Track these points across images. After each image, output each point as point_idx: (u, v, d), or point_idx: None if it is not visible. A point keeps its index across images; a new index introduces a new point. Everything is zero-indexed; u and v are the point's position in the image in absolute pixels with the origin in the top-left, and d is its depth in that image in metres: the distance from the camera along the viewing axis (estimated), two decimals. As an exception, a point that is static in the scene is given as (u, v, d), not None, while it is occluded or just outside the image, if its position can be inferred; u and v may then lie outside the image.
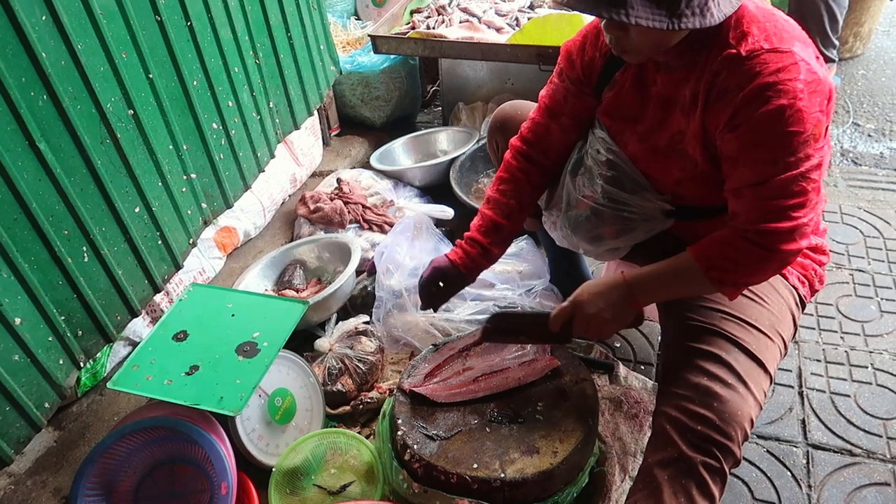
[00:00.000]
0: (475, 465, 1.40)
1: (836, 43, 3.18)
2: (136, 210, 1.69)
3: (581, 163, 1.55)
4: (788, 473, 1.68)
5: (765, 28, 1.18)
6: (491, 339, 1.62)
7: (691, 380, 1.29)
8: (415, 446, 1.45)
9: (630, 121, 1.42)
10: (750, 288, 1.39)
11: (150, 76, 1.69)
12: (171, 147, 1.80)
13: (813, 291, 1.49)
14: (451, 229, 2.48)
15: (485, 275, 2.07)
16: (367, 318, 2.10)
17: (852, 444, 1.74)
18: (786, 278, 1.44)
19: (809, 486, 1.66)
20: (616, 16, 1.08)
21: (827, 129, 1.22)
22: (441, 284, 1.64)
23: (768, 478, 1.68)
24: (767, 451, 1.74)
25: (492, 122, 1.86)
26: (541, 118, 1.60)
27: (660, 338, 2.02)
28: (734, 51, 1.18)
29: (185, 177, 1.88)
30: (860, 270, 2.27)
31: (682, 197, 1.43)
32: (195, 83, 1.85)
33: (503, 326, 1.58)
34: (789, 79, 1.13)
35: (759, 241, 1.22)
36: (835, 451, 1.73)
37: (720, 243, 1.28)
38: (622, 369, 1.89)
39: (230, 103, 2.01)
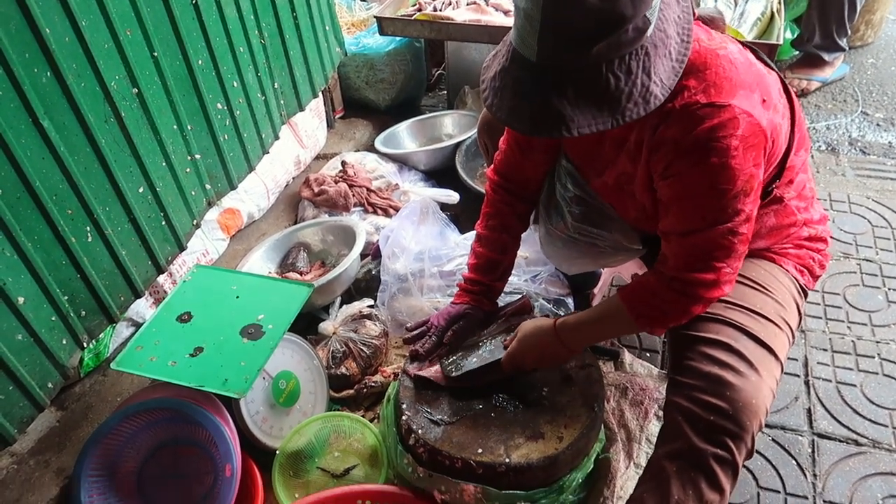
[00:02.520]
0: (480, 450, 1.39)
1: (850, 32, 3.15)
2: (140, 190, 1.68)
3: (552, 194, 1.55)
4: (794, 462, 1.68)
5: (704, 78, 1.13)
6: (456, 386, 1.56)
7: (701, 369, 1.27)
8: (419, 431, 1.45)
9: (590, 155, 1.40)
10: (752, 277, 1.39)
11: (155, 54, 1.67)
12: (175, 127, 1.79)
13: (815, 278, 1.48)
14: (456, 214, 2.46)
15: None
16: (371, 301, 2.09)
17: (858, 434, 1.73)
18: (784, 269, 1.43)
19: (815, 475, 1.65)
20: (558, 134, 1.05)
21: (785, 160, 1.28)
22: (462, 323, 1.64)
23: (773, 466, 1.67)
24: (773, 439, 1.73)
25: (479, 121, 1.85)
26: (511, 151, 1.57)
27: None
28: (670, 104, 1.14)
29: (189, 157, 1.86)
30: (868, 260, 2.26)
31: (646, 229, 1.43)
32: (200, 62, 1.83)
33: (465, 379, 1.55)
34: (724, 136, 1.10)
35: (684, 290, 1.25)
36: (840, 441, 1.72)
37: (649, 293, 1.30)
38: (628, 356, 1.89)
39: (235, 83, 1.99)
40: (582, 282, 2.08)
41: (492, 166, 1.65)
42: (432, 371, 1.57)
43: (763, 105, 1.15)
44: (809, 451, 1.70)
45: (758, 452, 1.70)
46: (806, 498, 1.61)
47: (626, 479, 1.57)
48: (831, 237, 1.52)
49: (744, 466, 1.65)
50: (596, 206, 1.44)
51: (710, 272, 1.22)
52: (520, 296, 1.79)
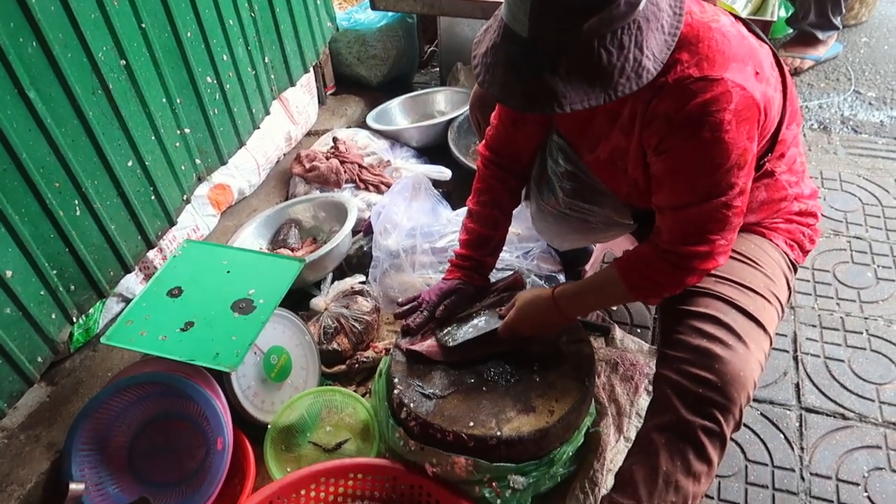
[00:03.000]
0: (471, 424, 1.40)
1: (844, 10, 3.14)
2: (129, 164, 1.66)
3: (543, 169, 1.54)
4: (781, 436, 1.70)
5: (697, 51, 1.12)
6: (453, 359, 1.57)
7: (690, 342, 1.28)
8: (411, 405, 1.45)
9: (581, 129, 1.40)
10: (742, 252, 1.40)
11: (143, 26, 1.64)
12: (164, 100, 1.76)
13: (805, 252, 1.49)
14: (448, 190, 2.45)
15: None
16: (363, 277, 2.09)
17: (845, 408, 1.75)
18: (775, 244, 1.44)
19: (802, 449, 1.67)
20: (551, 110, 1.05)
21: (780, 132, 1.27)
22: (453, 298, 1.64)
23: (761, 440, 1.69)
24: (761, 413, 1.75)
25: (471, 97, 1.84)
26: (502, 126, 1.56)
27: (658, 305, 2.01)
28: (663, 78, 1.13)
29: (178, 131, 1.84)
30: (858, 238, 2.27)
31: (637, 205, 1.43)
32: (189, 35, 1.80)
33: (462, 350, 1.56)
34: (717, 110, 1.10)
35: (677, 262, 1.26)
36: (828, 415, 1.74)
37: (643, 264, 1.31)
38: (618, 332, 1.90)
39: (225, 57, 1.97)
40: (574, 258, 2.09)
41: (483, 142, 1.64)
42: (425, 345, 1.57)
43: (756, 78, 1.15)
44: (797, 424, 1.72)
45: (746, 426, 1.71)
46: (793, 470, 1.63)
47: (616, 452, 1.59)
48: (822, 214, 1.53)
49: (732, 439, 1.67)
50: (587, 181, 1.44)
51: (705, 244, 1.23)
52: (512, 272, 1.79)
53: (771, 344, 1.33)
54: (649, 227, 1.37)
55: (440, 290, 1.64)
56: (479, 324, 1.57)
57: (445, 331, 1.59)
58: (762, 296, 1.35)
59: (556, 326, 1.53)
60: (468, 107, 2.68)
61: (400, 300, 1.72)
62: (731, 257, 1.37)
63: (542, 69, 1.03)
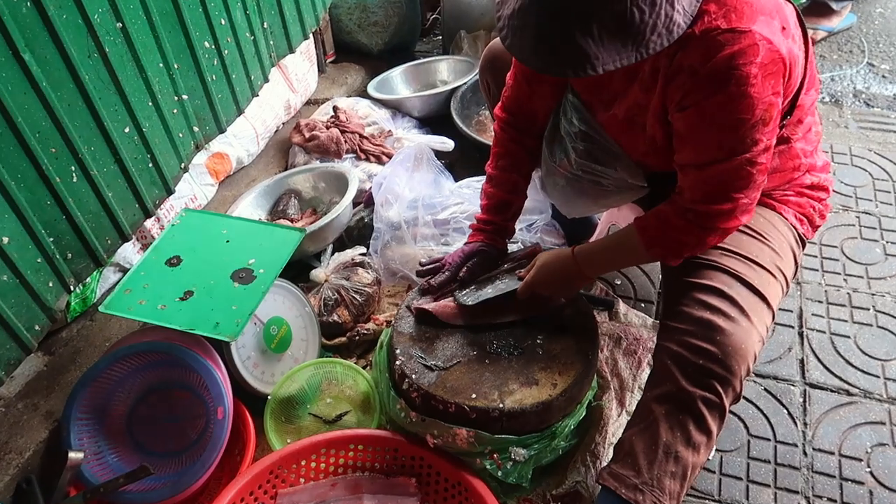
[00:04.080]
0: (474, 395, 1.42)
1: (857, -21, 3.10)
2: (126, 130, 1.65)
3: (556, 130, 1.54)
4: (785, 411, 1.72)
5: (725, 3, 1.12)
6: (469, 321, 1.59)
7: (693, 314, 1.29)
8: (413, 376, 1.47)
9: (597, 87, 1.39)
10: (750, 225, 1.40)
11: (140, -13, 1.62)
12: (161, 65, 1.75)
13: (814, 227, 1.50)
14: (450, 161, 2.45)
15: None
16: (363, 249, 2.10)
17: (849, 384, 1.77)
18: (784, 217, 1.44)
19: (805, 424, 1.69)
20: (583, 72, 1.05)
21: (804, 84, 1.26)
22: (476, 259, 1.65)
23: (764, 415, 1.71)
24: (765, 389, 1.76)
25: (482, 59, 1.82)
26: (518, 86, 1.56)
27: (660, 275, 2.02)
28: (689, 30, 1.12)
29: (176, 98, 1.83)
30: (867, 213, 2.27)
31: (653, 167, 1.43)
32: (186, -3, 1.79)
33: (479, 311, 1.58)
34: (744, 63, 1.10)
35: (699, 221, 1.26)
36: (832, 391, 1.76)
37: (662, 223, 1.32)
38: (622, 306, 1.90)
39: (223, 21, 1.95)
40: (577, 231, 2.09)
41: (499, 104, 1.64)
42: (437, 305, 1.58)
43: (783, 33, 1.15)
44: (801, 400, 1.74)
45: (749, 401, 1.73)
46: (795, 446, 1.65)
47: (618, 426, 1.60)
48: (833, 191, 1.53)
49: (734, 414, 1.70)
50: (601, 142, 1.44)
51: (728, 202, 1.23)
52: (519, 244, 1.80)
53: (773, 318, 1.34)
54: (661, 193, 1.37)
55: (463, 252, 1.66)
56: (500, 285, 1.59)
57: (465, 291, 1.61)
58: (768, 270, 1.36)
59: (576, 286, 1.55)
60: (477, 71, 2.68)
61: (422, 261, 1.74)
62: (740, 231, 1.37)
63: (574, 31, 1.03)
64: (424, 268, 1.71)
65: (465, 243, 1.70)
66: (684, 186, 1.27)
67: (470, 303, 1.57)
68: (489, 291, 1.58)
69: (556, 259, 1.51)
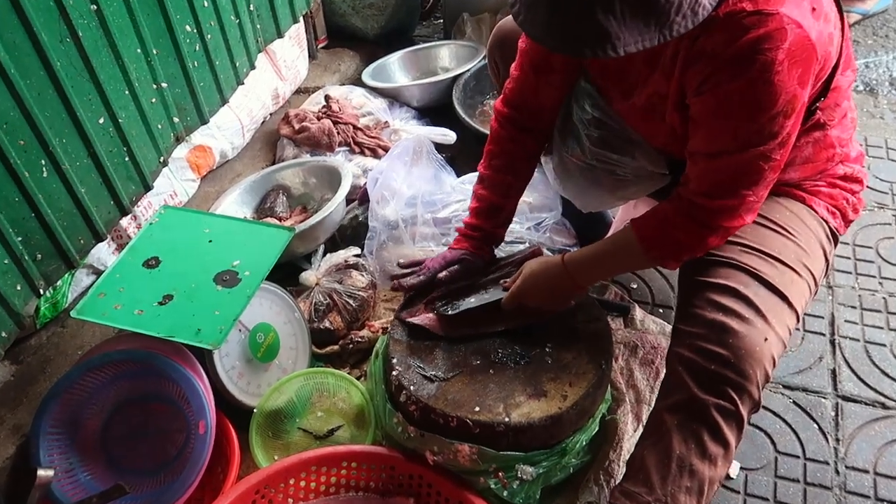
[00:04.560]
0: (477, 408, 1.42)
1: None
2: (101, 121, 1.66)
3: (568, 118, 1.54)
4: (815, 426, 1.72)
5: None
6: (454, 334, 1.59)
7: (705, 316, 1.30)
8: (411, 388, 1.47)
9: (616, 74, 1.39)
10: (774, 219, 1.41)
11: (115, -34, 1.63)
12: (138, 50, 1.76)
13: (847, 222, 1.50)
14: (452, 155, 2.45)
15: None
16: (357, 250, 2.10)
17: (885, 397, 1.77)
18: (814, 210, 1.44)
19: (837, 440, 1.69)
20: (603, 53, 1.04)
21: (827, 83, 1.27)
22: (457, 267, 1.65)
23: (793, 430, 1.71)
24: (793, 401, 1.77)
25: (491, 39, 1.82)
26: (525, 76, 1.55)
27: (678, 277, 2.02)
28: (713, 12, 1.11)
29: (154, 86, 1.84)
30: (904, 211, 2.27)
31: (674, 155, 1.43)
32: (166, -23, 1.79)
33: (461, 322, 1.58)
34: (769, 48, 1.10)
35: (702, 217, 1.27)
36: (866, 404, 1.76)
37: (661, 221, 1.32)
38: (638, 312, 1.91)
39: (205, 3, 1.95)
40: (591, 231, 2.09)
41: (499, 98, 1.63)
42: (427, 318, 1.58)
43: (813, 14, 1.15)
44: (832, 414, 1.74)
45: (776, 415, 1.73)
46: (826, 463, 1.65)
47: (634, 442, 1.60)
48: (867, 186, 1.53)
49: (759, 429, 1.70)
50: (617, 129, 1.44)
51: (734, 198, 1.24)
52: (524, 245, 1.80)
53: (798, 321, 1.35)
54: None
55: (444, 258, 1.66)
56: (484, 295, 1.59)
57: (445, 301, 1.61)
58: (791, 268, 1.36)
59: (567, 296, 1.55)
60: (482, 56, 2.69)
61: (400, 261, 1.75)
62: (763, 225, 1.38)
63: (595, 7, 1.02)
64: (401, 269, 1.71)
65: (449, 248, 1.69)
66: (691, 176, 1.28)
67: (449, 312, 1.57)
68: (472, 301, 1.58)
69: (545, 268, 1.51)
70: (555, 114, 1.58)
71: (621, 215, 2.09)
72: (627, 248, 1.39)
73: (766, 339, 1.26)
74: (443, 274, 1.63)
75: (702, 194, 1.26)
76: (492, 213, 1.66)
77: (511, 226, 2.08)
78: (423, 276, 1.64)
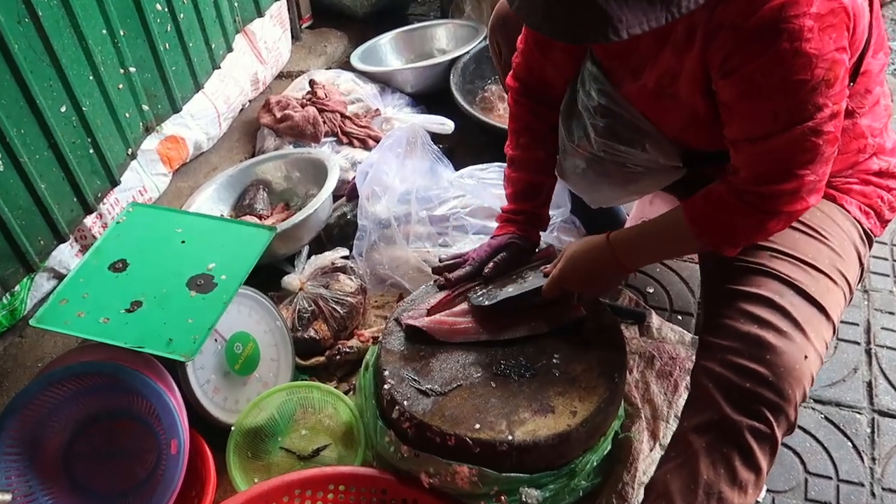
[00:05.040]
0: (477, 426, 1.42)
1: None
2: (63, 109, 1.66)
3: (573, 104, 1.54)
4: (849, 444, 1.72)
5: None
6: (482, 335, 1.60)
7: (739, 328, 1.30)
8: (405, 402, 1.47)
9: (623, 53, 1.40)
10: (805, 221, 1.40)
11: (78, -61, 1.64)
12: (104, 31, 1.76)
13: (883, 223, 1.50)
14: (450, 146, 2.46)
15: (492, 203, 2.08)
16: (345, 251, 2.10)
17: (927, 412, 1.78)
18: (846, 209, 1.44)
19: (873, 459, 1.70)
20: (605, 38, 1.05)
21: (870, 46, 1.25)
22: (504, 254, 1.66)
23: (825, 448, 1.71)
24: (825, 417, 1.77)
25: (493, 18, 1.83)
26: (529, 52, 1.58)
27: (700, 282, 2.03)
28: None
29: (122, 70, 1.84)
30: (947, 208, 2.27)
31: (691, 143, 1.43)
32: (134, -49, 1.80)
33: (493, 321, 1.59)
34: (794, 15, 1.09)
35: (759, 203, 1.25)
36: (905, 420, 1.77)
37: (714, 205, 1.31)
38: (655, 319, 1.91)
39: (178, -21, 1.96)
40: (601, 230, 2.08)
41: (510, 72, 1.65)
42: (430, 320, 1.58)
43: None
44: (868, 431, 1.75)
45: (807, 433, 1.74)
46: (861, 485, 1.65)
47: (650, 462, 1.60)
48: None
49: (787, 447, 1.71)
50: (625, 117, 1.44)
51: (791, 181, 1.22)
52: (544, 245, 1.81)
53: (834, 332, 1.35)
54: (701, 176, 1.37)
55: (489, 246, 1.67)
56: (522, 284, 1.60)
57: (481, 292, 1.62)
58: (826, 275, 1.36)
59: (612, 280, 1.55)
60: (482, 37, 2.69)
61: (442, 256, 1.75)
62: (791, 227, 1.38)
63: None
64: (442, 263, 1.71)
65: (492, 237, 1.71)
66: (738, 165, 1.27)
67: (486, 303, 1.58)
68: (510, 290, 1.59)
69: (588, 247, 1.50)
70: (563, 88, 1.59)
71: (636, 212, 2.09)
72: (677, 231, 1.38)
73: (805, 357, 1.26)
74: (488, 266, 1.64)
75: (754, 182, 1.25)
76: (532, 193, 1.68)
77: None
78: (469, 266, 1.66)
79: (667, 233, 1.42)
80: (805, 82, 1.13)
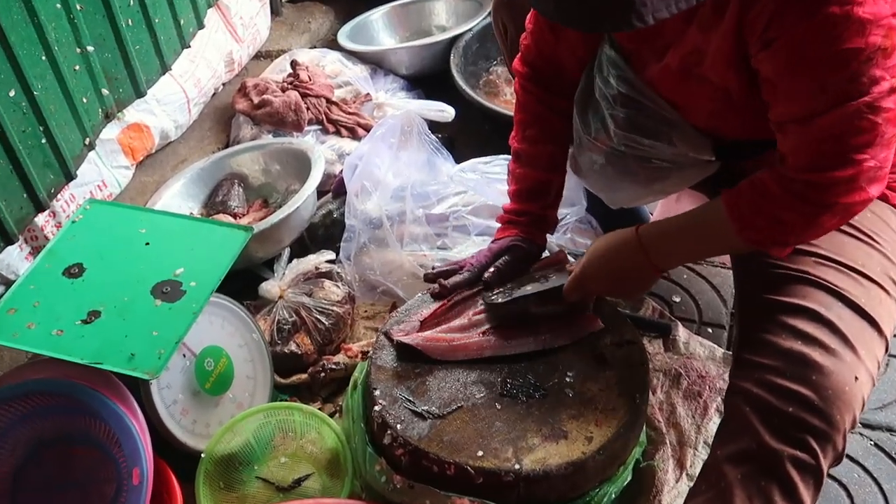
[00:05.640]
0: (480, 453, 1.41)
1: None
2: (11, 94, 1.66)
3: (590, 92, 1.54)
4: (902, 474, 1.72)
5: None
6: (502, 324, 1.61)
7: (780, 345, 1.29)
8: (398, 426, 1.47)
9: (648, 37, 1.39)
10: (854, 223, 1.38)
11: None
12: (58, 6, 1.76)
13: None
14: (450, 136, 2.46)
15: (497, 200, 2.08)
16: (331, 255, 2.10)
17: None
18: None
19: (929, 492, 1.70)
20: (628, 25, 1.05)
21: None
22: (507, 258, 1.65)
23: (874, 479, 1.71)
24: (875, 444, 1.77)
25: None
26: (540, 33, 1.58)
27: (734, 290, 2.03)
28: None
29: (78, 50, 1.84)
30: None
31: (724, 132, 1.42)
32: (93, -86, 1.80)
33: (509, 315, 1.60)
34: None
35: (809, 195, 1.23)
36: (966, 448, 1.76)
37: (759, 195, 1.29)
38: (682, 332, 1.91)
39: (142, -54, 1.97)
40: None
41: (517, 56, 1.65)
42: (425, 336, 1.58)
43: None
44: (924, 460, 1.75)
45: (854, 461, 1.73)
46: (916, 522, 1.65)
47: (676, 495, 1.61)
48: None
49: (832, 478, 1.70)
50: (649, 107, 1.44)
51: (847, 167, 1.19)
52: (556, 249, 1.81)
53: (887, 350, 1.34)
54: (736, 172, 1.36)
55: (490, 251, 1.67)
56: (543, 283, 1.60)
57: (496, 292, 1.62)
58: (878, 284, 1.36)
59: (641, 282, 1.52)
60: (487, 12, 2.69)
61: (436, 265, 1.76)
62: (839, 229, 1.37)
63: None
64: (436, 270, 1.71)
65: (493, 240, 1.70)
66: (785, 151, 1.26)
67: (500, 301, 1.58)
68: (528, 289, 1.59)
69: (615, 243, 1.48)
70: (578, 74, 1.59)
71: (660, 211, 2.09)
72: (716, 226, 1.35)
73: (856, 378, 1.24)
74: (489, 272, 1.63)
75: (805, 169, 1.23)
76: (538, 193, 1.67)
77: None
78: (468, 272, 1.65)
79: (705, 227, 1.39)
80: (858, 51, 1.12)
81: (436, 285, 1.66)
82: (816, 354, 1.26)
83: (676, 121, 1.43)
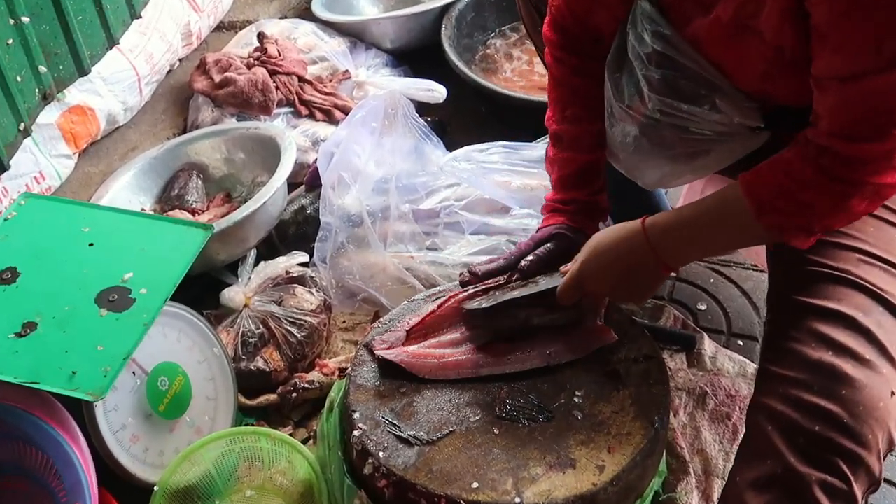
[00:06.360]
0: (475, 485, 1.41)
1: None
2: (-68, 71, 1.66)
3: (623, 53, 1.54)
4: (952, 505, 1.73)
5: None
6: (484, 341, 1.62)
7: (808, 355, 1.29)
8: (380, 454, 1.47)
9: None
10: None
11: None
12: (-12, -30, 1.76)
13: None
14: (441, 119, 2.46)
15: (495, 193, 2.08)
16: (305, 257, 2.10)
17: None
18: None
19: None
20: None
21: None
22: (550, 246, 1.64)
23: (923, 511, 1.72)
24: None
25: None
26: None
27: (766, 295, 2.03)
28: None
29: (11, 20, 1.84)
30: None
31: (775, 98, 1.42)
32: None
33: (496, 325, 1.60)
34: None
35: (837, 171, 1.23)
36: None
37: (783, 174, 1.29)
38: (708, 345, 1.91)
39: None
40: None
41: (546, 20, 1.65)
42: (409, 353, 1.58)
43: None
44: (977, 489, 1.75)
45: (890, 483, 1.74)
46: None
47: (702, 531, 1.61)
48: None
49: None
50: (688, 68, 1.42)
51: (885, 139, 1.20)
52: None
53: None
54: (784, 140, 1.36)
55: (532, 239, 1.66)
56: (532, 286, 1.59)
57: (478, 299, 1.62)
58: None
59: (649, 280, 1.51)
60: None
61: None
62: (888, 221, 1.38)
63: None
64: (477, 266, 1.68)
65: (538, 229, 1.69)
66: (821, 110, 1.25)
67: (483, 306, 1.58)
68: (515, 293, 1.58)
69: (617, 236, 1.47)
70: (614, 35, 1.58)
71: (686, 198, 2.09)
72: (732, 213, 1.35)
73: (892, 393, 1.24)
74: (528, 258, 1.62)
75: (838, 135, 1.22)
76: (586, 178, 1.67)
77: (525, 220, 2.10)
78: (503, 260, 1.65)
79: (720, 215, 1.40)
80: None
81: (467, 271, 1.65)
82: (848, 366, 1.25)
83: (719, 83, 1.43)
